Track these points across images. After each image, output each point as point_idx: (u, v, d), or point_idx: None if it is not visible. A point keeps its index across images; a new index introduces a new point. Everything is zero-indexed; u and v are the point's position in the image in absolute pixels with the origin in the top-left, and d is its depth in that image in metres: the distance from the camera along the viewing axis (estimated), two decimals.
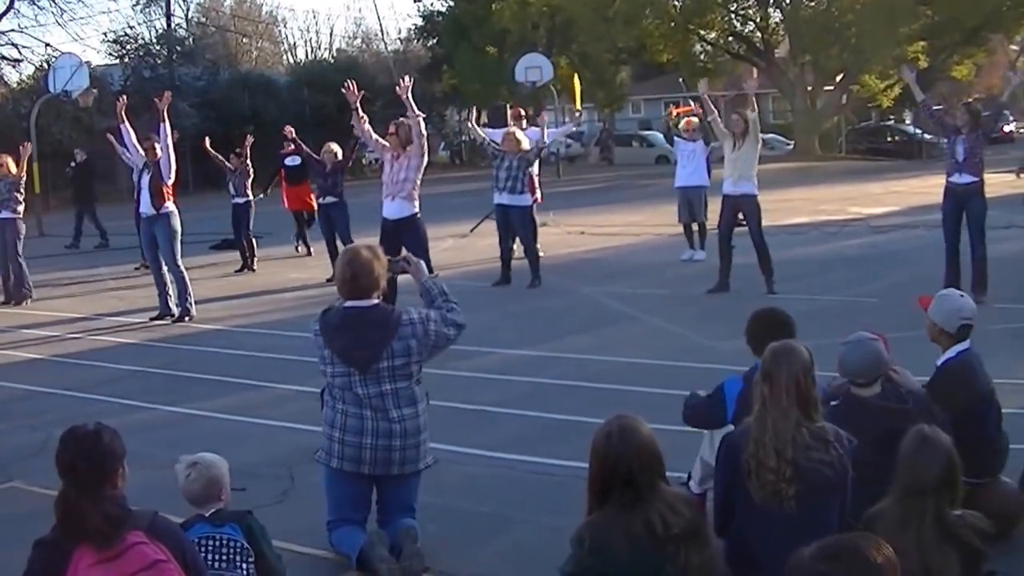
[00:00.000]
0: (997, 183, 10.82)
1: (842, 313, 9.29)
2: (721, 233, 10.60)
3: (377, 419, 4.40)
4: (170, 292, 10.61)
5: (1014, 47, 55.78)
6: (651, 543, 3.07)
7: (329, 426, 4.48)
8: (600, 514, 3.16)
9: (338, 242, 12.50)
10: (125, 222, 15.03)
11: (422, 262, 4.85)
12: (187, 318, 10.47)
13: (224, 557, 3.64)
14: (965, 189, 9.23)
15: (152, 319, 10.60)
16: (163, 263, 10.52)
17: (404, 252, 5.03)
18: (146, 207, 10.53)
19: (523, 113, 13.56)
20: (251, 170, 14.71)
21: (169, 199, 10.44)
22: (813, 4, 39.73)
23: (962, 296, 4.76)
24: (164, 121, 10.25)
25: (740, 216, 10.57)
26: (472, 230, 16.50)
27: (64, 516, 3.06)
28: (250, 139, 14.59)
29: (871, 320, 8.52)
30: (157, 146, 10.44)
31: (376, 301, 4.49)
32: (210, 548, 3.65)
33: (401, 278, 5.23)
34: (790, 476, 3.42)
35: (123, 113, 10.66)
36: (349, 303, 4.46)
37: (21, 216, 12.24)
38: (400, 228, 9.30)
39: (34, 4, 35.92)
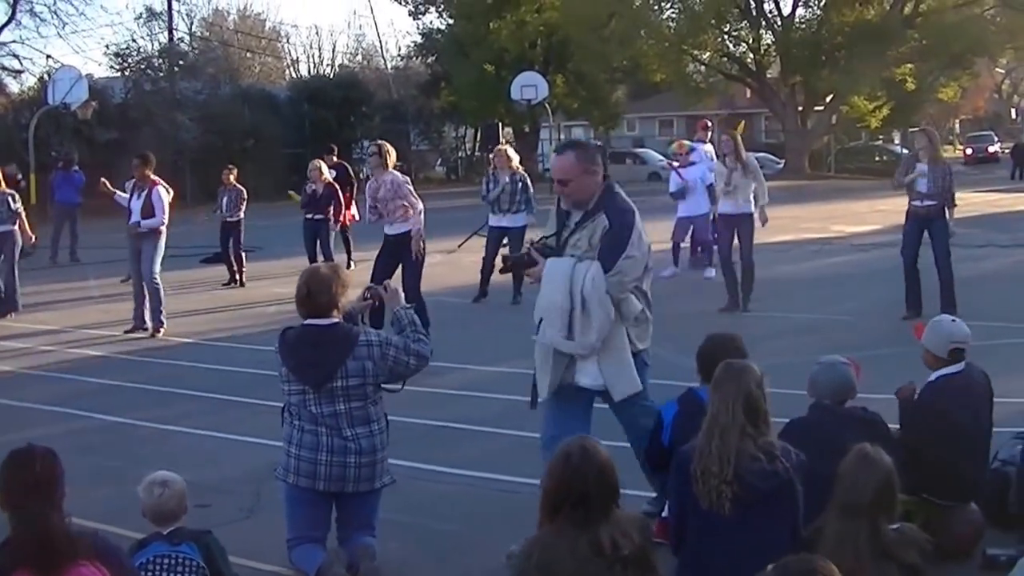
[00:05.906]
0: (979, 202, 10.90)
1: (817, 331, 9.34)
2: (723, 253, 10.76)
3: (332, 436, 4.45)
4: (147, 305, 10.67)
5: (999, 70, 56.19)
6: (598, 563, 3.08)
7: (287, 443, 4.54)
8: (548, 530, 3.18)
9: (319, 257, 12.77)
10: (119, 235, 15.00)
11: (400, 291, 4.93)
12: (160, 331, 10.55)
13: None
14: (928, 210, 9.71)
15: (126, 331, 10.66)
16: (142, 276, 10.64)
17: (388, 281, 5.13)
18: (137, 217, 10.63)
19: (708, 124, 13.94)
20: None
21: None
22: (804, 26, 39.95)
23: (954, 321, 4.82)
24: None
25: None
26: (460, 246, 16.53)
27: (32, 538, 2.98)
28: None
29: (845, 339, 8.60)
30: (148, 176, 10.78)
31: (336, 320, 4.54)
32: (166, 566, 3.66)
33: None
34: (730, 479, 3.51)
35: (107, 189, 11.71)
36: (308, 321, 4.53)
37: (18, 228, 12.28)
38: (400, 243, 9.47)
39: (36, 16, 35.99)
